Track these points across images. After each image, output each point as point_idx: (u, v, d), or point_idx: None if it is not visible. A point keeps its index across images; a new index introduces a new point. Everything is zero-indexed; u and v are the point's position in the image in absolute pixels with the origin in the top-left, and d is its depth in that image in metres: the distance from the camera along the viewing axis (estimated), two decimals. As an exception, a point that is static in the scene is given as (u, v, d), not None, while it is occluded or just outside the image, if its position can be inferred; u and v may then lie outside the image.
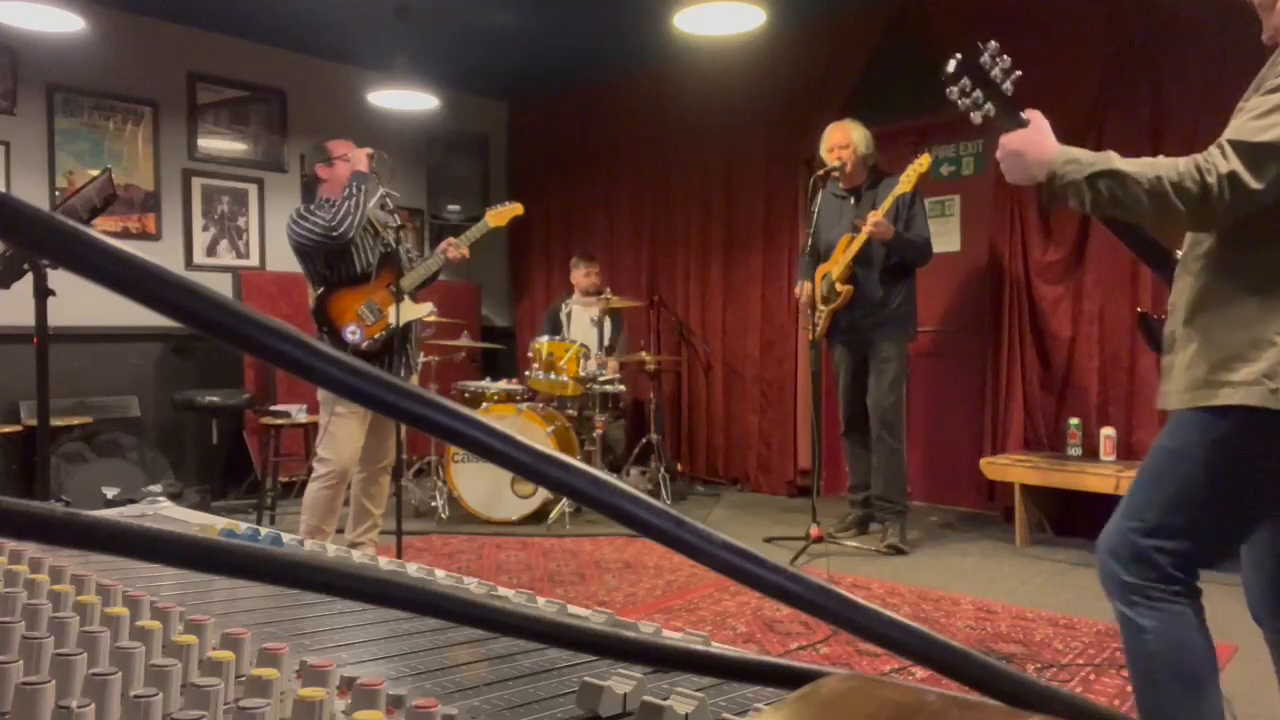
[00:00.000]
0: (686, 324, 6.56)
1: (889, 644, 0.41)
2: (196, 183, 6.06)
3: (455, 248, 3.87)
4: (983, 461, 4.75)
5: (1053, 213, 4.80)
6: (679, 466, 6.37)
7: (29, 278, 3.04)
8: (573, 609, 0.84)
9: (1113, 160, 1.59)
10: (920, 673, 2.48)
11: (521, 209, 4.11)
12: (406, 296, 3.74)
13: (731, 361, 6.38)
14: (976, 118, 1.75)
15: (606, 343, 5.63)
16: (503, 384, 5.62)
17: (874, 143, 4.58)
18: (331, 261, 3.66)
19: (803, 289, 4.60)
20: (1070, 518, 4.69)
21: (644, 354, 5.84)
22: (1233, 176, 1.47)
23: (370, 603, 0.44)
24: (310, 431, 5.23)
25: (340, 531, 3.90)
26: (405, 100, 5.79)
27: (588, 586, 3.87)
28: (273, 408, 5.29)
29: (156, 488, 4.67)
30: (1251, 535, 1.74)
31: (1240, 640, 2.96)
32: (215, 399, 5.58)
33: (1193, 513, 1.63)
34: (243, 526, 1.19)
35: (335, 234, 3.54)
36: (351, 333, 3.64)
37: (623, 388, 5.60)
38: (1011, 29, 4.90)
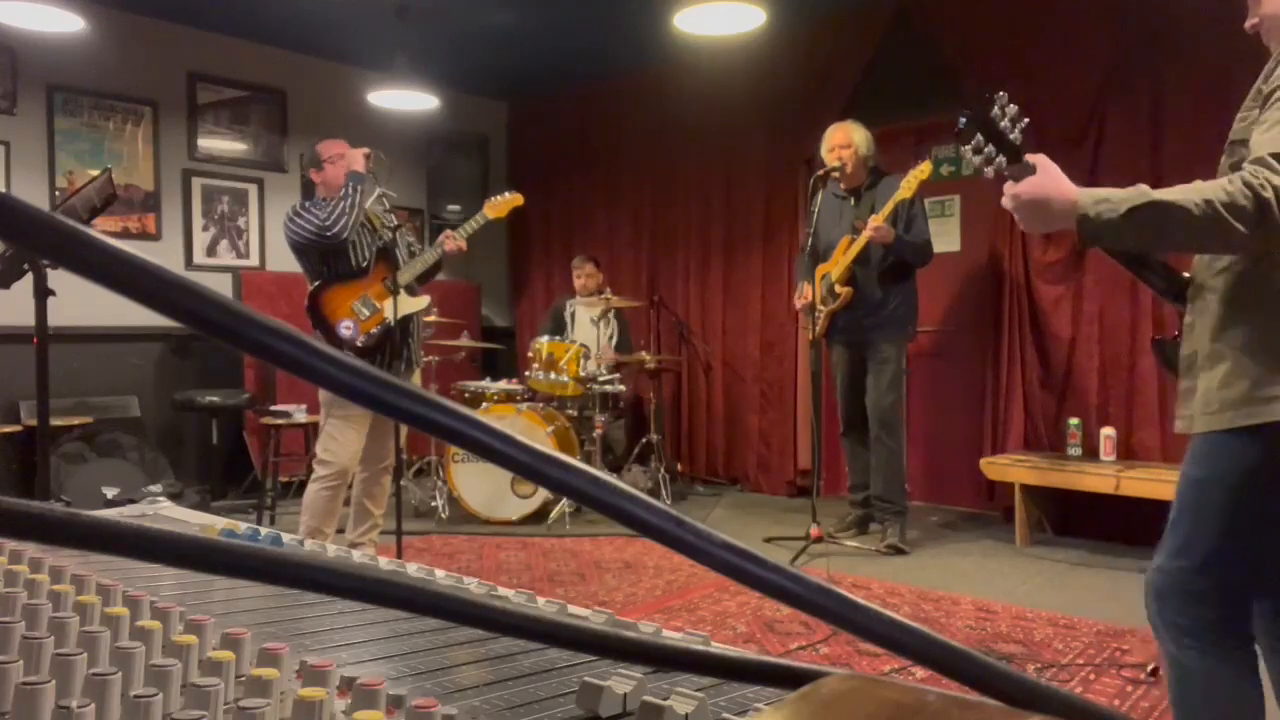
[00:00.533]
0: (686, 324, 6.56)
1: (889, 644, 0.41)
2: (196, 183, 6.06)
3: (453, 240, 3.86)
4: (983, 461, 4.75)
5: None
6: (679, 466, 6.37)
7: (29, 278, 3.04)
8: (573, 609, 0.84)
9: (1147, 193, 1.51)
10: (920, 673, 2.48)
11: (521, 199, 4.08)
12: (403, 290, 3.73)
13: (731, 361, 6.38)
14: (989, 172, 1.71)
15: (605, 341, 5.63)
16: (503, 384, 5.62)
17: (874, 143, 4.59)
18: (327, 257, 3.65)
19: (801, 293, 4.59)
20: (1070, 518, 4.69)
21: (644, 354, 5.84)
22: None
23: (370, 603, 0.44)
24: (310, 431, 5.23)
25: (340, 532, 3.90)
26: (405, 100, 5.79)
27: (588, 586, 3.87)
28: (273, 408, 5.29)
29: (156, 488, 4.66)
30: None
31: (1240, 640, 2.97)
32: (215, 399, 5.58)
33: (1243, 542, 1.57)
34: (243, 526, 1.19)
35: (330, 233, 3.54)
36: (346, 328, 3.63)
37: (623, 388, 5.60)
38: (1011, 29, 4.90)
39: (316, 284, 3.66)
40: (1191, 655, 1.60)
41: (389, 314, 3.67)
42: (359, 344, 3.63)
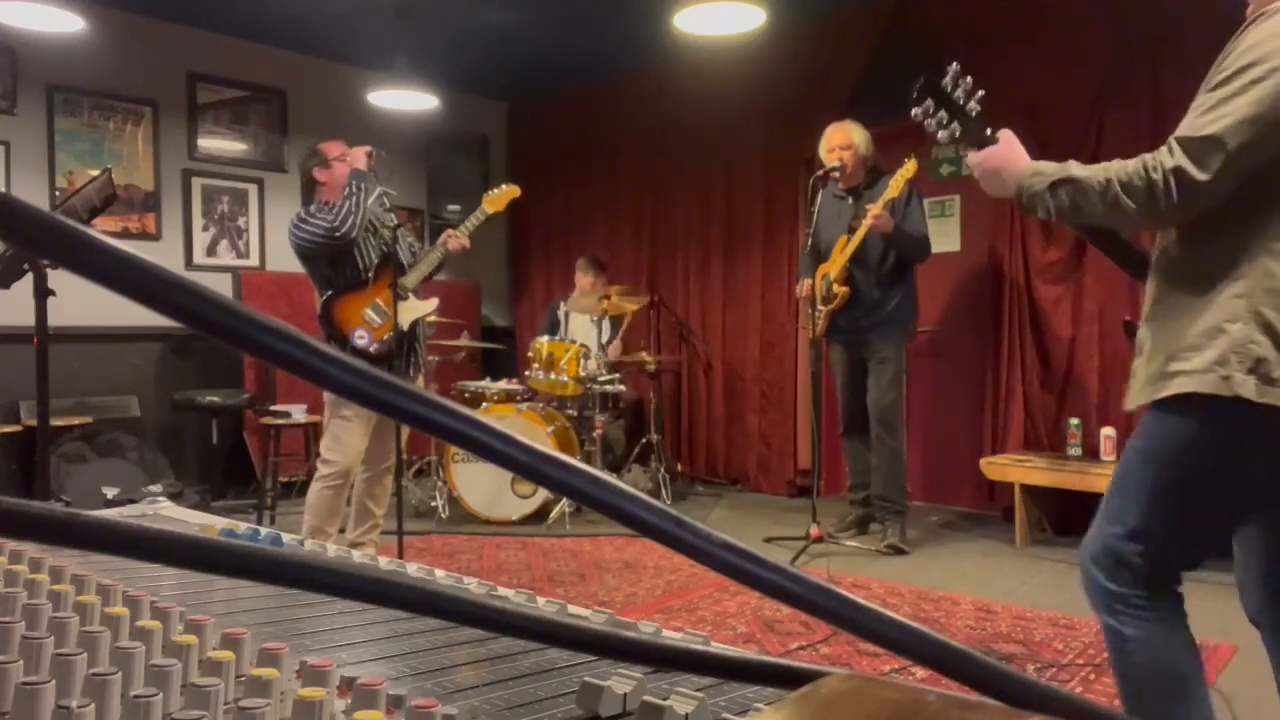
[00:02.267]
0: (686, 324, 6.56)
1: (889, 644, 0.41)
2: (196, 183, 6.06)
3: (455, 238, 3.86)
4: (983, 461, 4.75)
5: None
6: (679, 466, 6.37)
7: (29, 278, 3.04)
8: (573, 609, 0.84)
9: (1070, 169, 1.63)
10: (920, 673, 2.48)
11: (518, 190, 4.05)
12: (410, 295, 3.74)
13: (731, 361, 6.38)
14: (944, 136, 1.79)
15: (604, 339, 5.62)
16: (503, 384, 5.62)
17: (873, 143, 4.59)
18: (336, 262, 3.64)
19: (803, 285, 4.60)
20: (1070, 518, 4.69)
21: (644, 354, 5.84)
22: (1177, 171, 1.49)
23: (370, 603, 0.44)
24: (310, 431, 5.23)
25: (341, 531, 3.90)
26: (405, 100, 5.79)
27: (588, 586, 3.87)
28: (273, 408, 5.29)
29: (156, 488, 4.66)
30: (1235, 531, 1.72)
31: (1240, 640, 2.96)
32: (215, 399, 5.58)
33: (1167, 512, 1.62)
34: (243, 526, 1.19)
35: (339, 235, 3.53)
36: (359, 337, 3.63)
37: (623, 388, 5.60)
38: (1011, 29, 4.90)
39: (328, 294, 3.65)
40: (1122, 620, 1.64)
41: (401, 319, 3.68)
42: (373, 351, 3.64)
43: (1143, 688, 1.65)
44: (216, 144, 6.16)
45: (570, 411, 5.45)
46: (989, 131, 1.76)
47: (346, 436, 3.63)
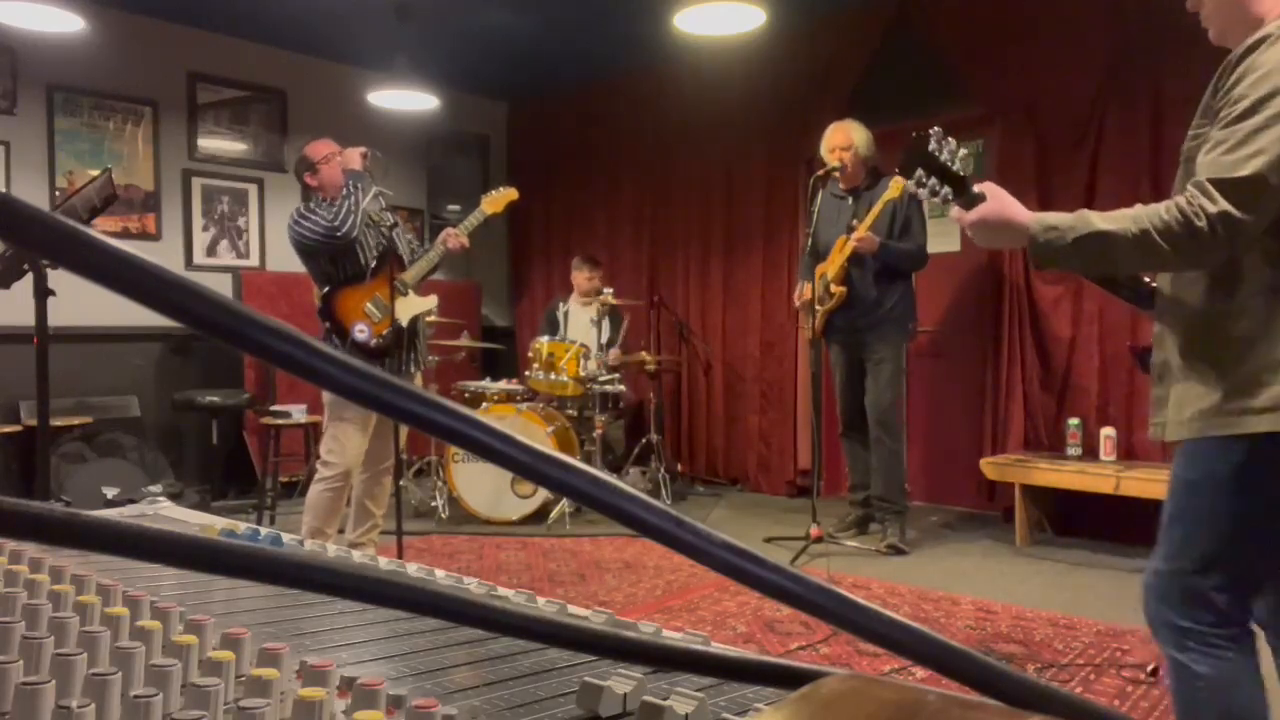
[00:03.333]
0: (686, 324, 6.56)
1: (889, 644, 0.41)
2: (196, 183, 6.06)
3: (455, 237, 3.87)
4: (983, 461, 4.75)
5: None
6: (679, 466, 6.37)
7: (29, 278, 3.04)
8: (573, 609, 0.84)
9: (1092, 221, 1.57)
10: (920, 673, 2.48)
11: (516, 194, 4.07)
12: (410, 291, 3.75)
13: (731, 361, 6.38)
14: (938, 203, 1.80)
15: (605, 340, 5.63)
16: (503, 384, 5.62)
17: (874, 144, 4.58)
18: (337, 259, 3.64)
19: (801, 290, 4.60)
20: (1070, 518, 4.69)
21: (644, 354, 5.84)
22: (1224, 215, 1.45)
23: (370, 603, 0.44)
24: (311, 431, 5.23)
25: (341, 532, 3.90)
26: (405, 100, 5.79)
27: (588, 586, 3.87)
28: (273, 408, 5.29)
29: (156, 488, 4.66)
30: None
31: (1240, 640, 2.97)
32: (215, 399, 5.58)
33: (1238, 541, 1.58)
34: (243, 526, 1.19)
35: (339, 233, 3.53)
36: (359, 331, 3.64)
37: (623, 388, 5.60)
38: (1011, 29, 4.90)
39: (327, 289, 3.66)
40: (1194, 657, 1.59)
41: (400, 315, 3.69)
42: (373, 346, 3.64)
43: None
44: (216, 144, 6.16)
45: (570, 411, 5.45)
46: (974, 191, 1.75)
47: (346, 438, 3.64)
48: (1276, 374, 1.49)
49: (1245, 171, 1.44)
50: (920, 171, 1.78)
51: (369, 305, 3.67)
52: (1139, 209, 1.54)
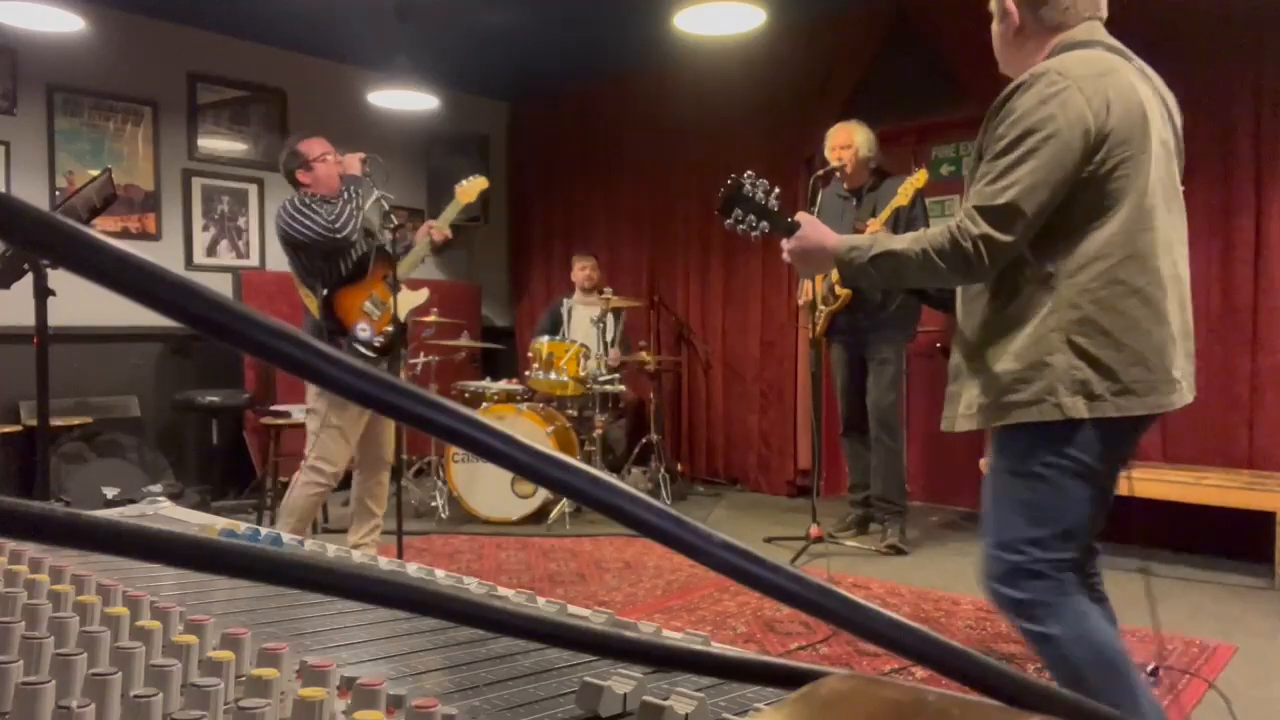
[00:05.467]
0: (686, 324, 6.56)
1: (889, 644, 0.41)
2: (196, 183, 6.06)
3: (437, 230, 3.86)
4: (982, 461, 4.74)
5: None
6: (679, 466, 6.37)
7: (29, 278, 3.04)
8: (573, 609, 0.84)
9: (885, 242, 1.83)
10: (920, 673, 2.48)
11: (486, 182, 4.10)
12: (404, 287, 3.75)
13: (731, 361, 6.38)
14: (755, 235, 2.03)
15: (608, 339, 5.63)
16: (503, 384, 5.62)
17: (876, 144, 4.58)
18: (331, 256, 3.59)
19: (803, 290, 4.60)
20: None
21: (644, 354, 5.84)
22: (986, 238, 1.68)
23: (370, 603, 0.44)
24: (310, 431, 5.23)
25: (343, 531, 3.91)
26: (405, 100, 5.79)
27: (588, 586, 3.87)
28: (273, 408, 5.29)
29: (156, 488, 4.67)
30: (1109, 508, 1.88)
31: (1240, 640, 2.96)
32: (215, 399, 5.58)
33: (1054, 517, 1.76)
34: (243, 526, 1.19)
35: (339, 235, 3.49)
36: (362, 330, 3.63)
37: (623, 388, 5.60)
38: (1011, 29, 4.90)
39: (325, 291, 3.63)
40: (1042, 623, 1.75)
41: (398, 310, 3.69)
42: (376, 344, 3.63)
43: (1081, 675, 1.74)
44: (216, 144, 6.16)
45: (570, 411, 5.45)
46: (790, 220, 1.96)
47: (334, 444, 3.61)
48: (1040, 372, 1.71)
49: (1001, 200, 1.67)
50: (738, 210, 2.02)
51: (367, 304, 3.66)
52: (923, 232, 1.79)
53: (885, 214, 4.30)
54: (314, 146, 3.66)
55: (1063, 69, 1.72)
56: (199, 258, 6.05)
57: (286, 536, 1.11)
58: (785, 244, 1.97)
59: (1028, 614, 1.77)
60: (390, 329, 3.67)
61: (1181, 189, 1.87)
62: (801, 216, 1.95)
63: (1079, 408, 1.70)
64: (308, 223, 3.50)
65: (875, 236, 1.88)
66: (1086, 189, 1.69)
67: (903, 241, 1.80)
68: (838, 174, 4.49)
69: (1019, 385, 1.74)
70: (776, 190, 2.03)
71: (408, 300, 3.77)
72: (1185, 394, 1.77)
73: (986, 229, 1.68)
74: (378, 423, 3.73)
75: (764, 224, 2.02)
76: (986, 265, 1.70)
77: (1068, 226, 1.70)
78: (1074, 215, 1.70)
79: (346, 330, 3.61)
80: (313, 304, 3.64)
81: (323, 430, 3.62)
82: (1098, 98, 1.69)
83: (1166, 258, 1.74)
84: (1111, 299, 1.69)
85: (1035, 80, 1.71)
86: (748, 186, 2.02)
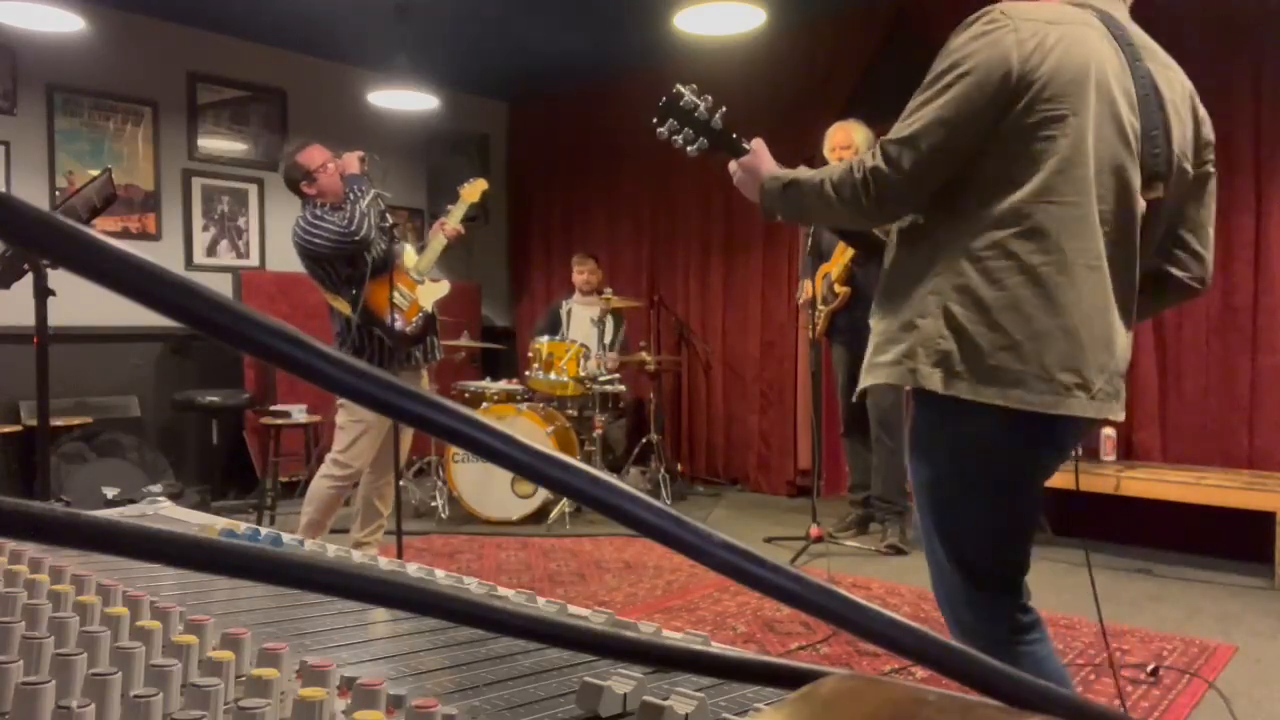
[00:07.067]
0: (686, 324, 6.56)
1: (889, 644, 0.41)
2: (196, 183, 6.06)
3: (450, 227, 3.93)
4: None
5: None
6: (679, 466, 6.37)
7: (29, 278, 3.04)
8: (573, 609, 0.84)
9: (796, 173, 1.72)
10: (920, 673, 2.48)
11: (486, 184, 4.17)
12: (426, 279, 3.83)
13: (731, 361, 6.37)
14: (692, 151, 1.91)
15: (607, 340, 5.63)
16: (503, 384, 5.62)
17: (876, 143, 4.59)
18: (354, 259, 3.60)
19: (803, 289, 4.61)
20: (1070, 518, 4.68)
21: (644, 354, 5.84)
22: (875, 170, 1.56)
23: (370, 603, 0.44)
24: (310, 431, 5.23)
25: (344, 531, 3.91)
26: (405, 100, 5.79)
27: (588, 586, 3.87)
28: (273, 408, 5.29)
29: (156, 488, 4.67)
30: (1032, 524, 1.73)
31: (1240, 640, 2.96)
32: (215, 399, 5.58)
33: (961, 510, 1.71)
34: (243, 526, 1.19)
35: (357, 238, 3.51)
36: (395, 320, 3.69)
37: (623, 388, 5.60)
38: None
39: (355, 292, 3.62)
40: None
41: (423, 302, 3.77)
42: (408, 332, 3.70)
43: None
44: (216, 144, 6.16)
45: (570, 411, 5.45)
46: (742, 143, 1.87)
47: (363, 441, 3.64)
48: (908, 333, 1.59)
49: (903, 134, 1.55)
50: (673, 121, 1.90)
51: (395, 295, 3.69)
52: (832, 165, 1.67)
53: None
54: (313, 156, 3.65)
55: (1008, 9, 1.57)
56: (199, 258, 6.06)
57: (287, 536, 1.11)
58: (731, 165, 1.87)
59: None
60: (418, 318, 3.76)
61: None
62: (756, 142, 1.85)
63: (934, 380, 1.54)
64: (323, 233, 3.52)
65: (799, 169, 1.75)
66: (1003, 143, 1.51)
67: (813, 172, 1.69)
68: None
69: (887, 346, 1.64)
70: (723, 109, 1.91)
71: (432, 291, 3.85)
72: (1086, 405, 1.53)
73: (879, 161, 1.56)
74: (399, 426, 3.74)
75: (702, 140, 1.89)
76: (873, 199, 1.56)
77: (977, 183, 1.54)
78: (985, 171, 1.53)
79: (383, 322, 3.65)
80: (344, 307, 3.64)
81: (351, 424, 3.64)
82: (1032, 40, 1.51)
83: (1093, 247, 1.51)
84: (998, 272, 1.51)
85: (977, 19, 1.60)
86: (688, 97, 1.91)
